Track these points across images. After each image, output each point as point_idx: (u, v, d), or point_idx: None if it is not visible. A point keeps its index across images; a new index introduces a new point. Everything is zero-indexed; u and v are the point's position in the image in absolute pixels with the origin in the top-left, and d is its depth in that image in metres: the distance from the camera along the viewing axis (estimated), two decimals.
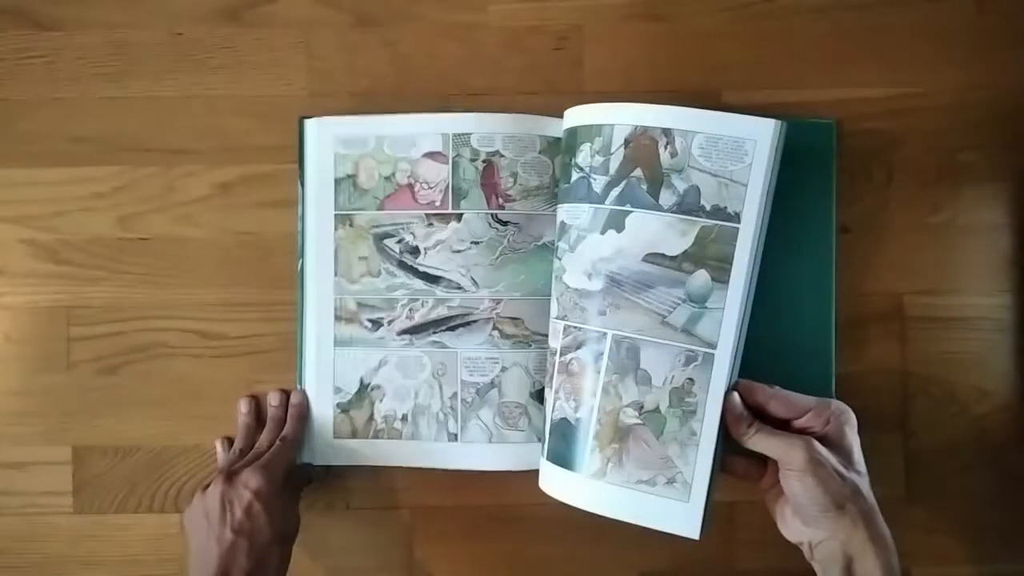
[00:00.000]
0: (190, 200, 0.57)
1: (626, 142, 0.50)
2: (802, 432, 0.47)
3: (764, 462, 0.50)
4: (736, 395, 0.49)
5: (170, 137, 0.57)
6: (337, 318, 0.56)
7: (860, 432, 0.48)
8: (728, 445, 0.49)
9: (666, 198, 0.50)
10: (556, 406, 0.52)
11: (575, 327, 0.51)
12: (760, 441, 0.47)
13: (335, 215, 0.56)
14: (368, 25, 0.57)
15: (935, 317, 0.57)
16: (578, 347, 0.51)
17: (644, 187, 0.50)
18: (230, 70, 0.57)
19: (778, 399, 0.49)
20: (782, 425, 0.48)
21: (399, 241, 0.56)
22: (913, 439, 0.57)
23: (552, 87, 0.56)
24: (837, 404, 0.48)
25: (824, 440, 0.46)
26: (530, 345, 0.55)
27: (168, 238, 0.57)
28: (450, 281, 0.56)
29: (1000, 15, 0.57)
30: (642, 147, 0.50)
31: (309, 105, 0.57)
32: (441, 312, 0.56)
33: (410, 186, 0.56)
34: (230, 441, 0.56)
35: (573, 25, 0.57)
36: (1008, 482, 0.57)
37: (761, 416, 0.49)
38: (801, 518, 0.47)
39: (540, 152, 0.55)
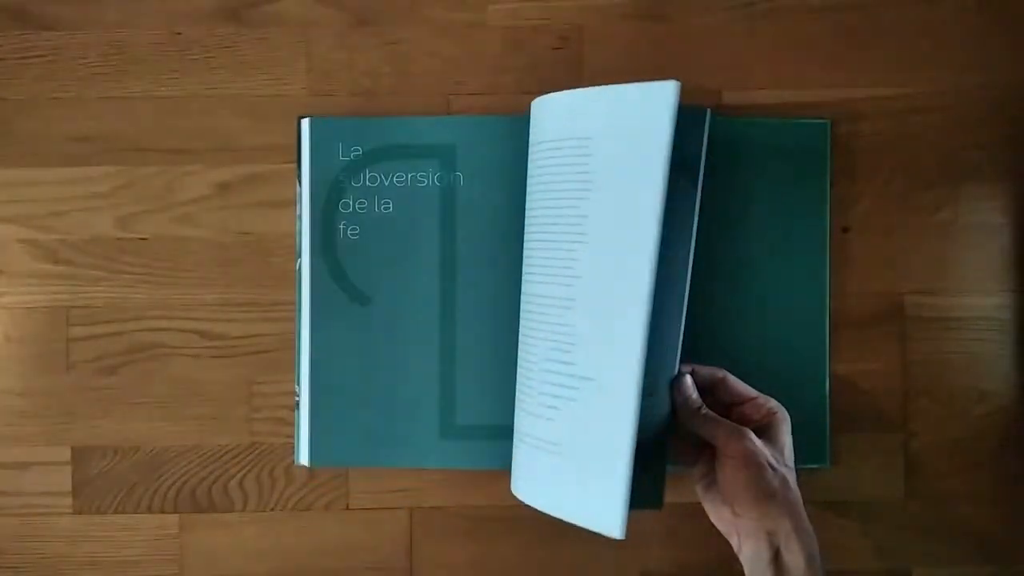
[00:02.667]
0: (189, 200, 0.57)
1: None
2: (739, 420, 0.49)
3: (699, 448, 0.50)
4: (688, 377, 0.50)
5: (169, 137, 0.57)
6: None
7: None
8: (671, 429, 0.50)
9: None
10: None
11: None
12: (703, 425, 0.48)
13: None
14: (368, 25, 0.57)
15: (936, 317, 0.57)
16: None
17: None
18: (230, 70, 0.57)
19: (727, 383, 0.50)
20: (721, 411, 0.50)
21: None
22: (913, 439, 0.57)
23: (552, 87, 0.56)
24: (776, 402, 0.50)
25: (759, 432, 0.48)
26: None
27: (167, 238, 0.57)
28: None
29: (1001, 15, 0.57)
30: None
31: (309, 105, 0.57)
32: None
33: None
34: None
35: (573, 25, 0.57)
36: (1008, 482, 0.57)
37: (704, 399, 0.50)
38: (731, 507, 0.47)
39: None
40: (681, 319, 0.50)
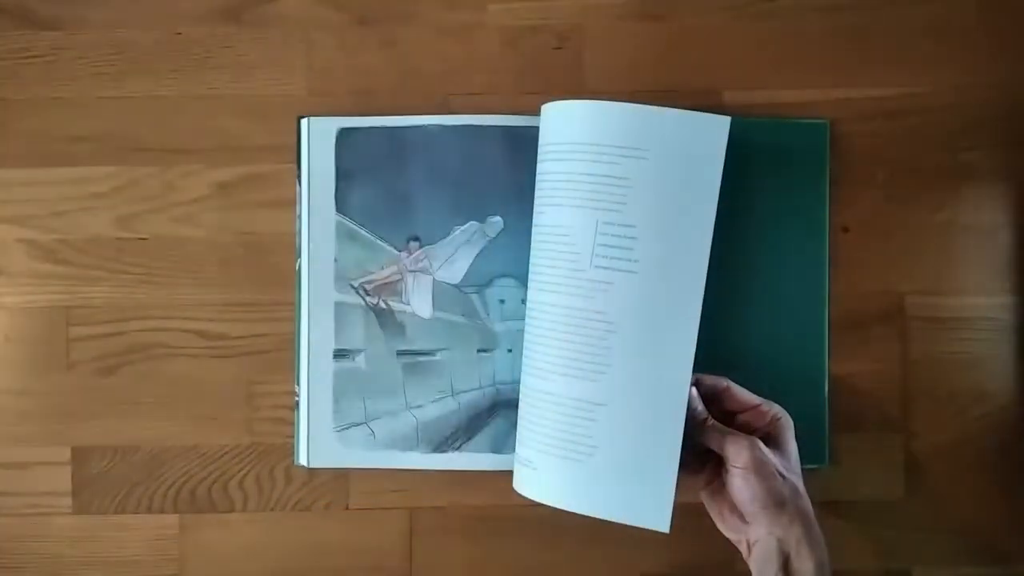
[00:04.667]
0: (189, 200, 0.57)
1: None
2: (743, 428, 0.49)
3: (703, 457, 0.50)
4: (693, 389, 0.49)
5: (169, 137, 0.57)
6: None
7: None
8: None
9: None
10: None
11: None
12: (710, 436, 0.48)
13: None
14: (368, 24, 0.57)
15: (936, 317, 0.57)
16: None
17: None
18: (229, 70, 0.57)
19: (730, 392, 0.50)
20: (726, 419, 0.50)
21: None
22: (914, 440, 0.57)
23: (552, 87, 0.56)
24: (779, 408, 0.50)
25: (765, 440, 0.48)
26: None
27: (167, 238, 0.57)
28: None
29: (1001, 15, 0.57)
30: None
31: (309, 104, 0.57)
32: None
33: None
34: None
35: (573, 25, 0.57)
36: (1008, 482, 0.57)
37: (709, 408, 0.50)
38: (740, 515, 0.48)
39: None
40: (693, 337, 0.49)
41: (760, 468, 0.46)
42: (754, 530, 0.47)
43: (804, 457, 0.50)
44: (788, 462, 0.48)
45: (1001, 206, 0.57)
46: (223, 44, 0.57)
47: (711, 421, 0.49)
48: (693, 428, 0.49)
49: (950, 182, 0.57)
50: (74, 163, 0.57)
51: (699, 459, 0.50)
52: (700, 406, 0.49)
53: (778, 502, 0.46)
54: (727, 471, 0.48)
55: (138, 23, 0.57)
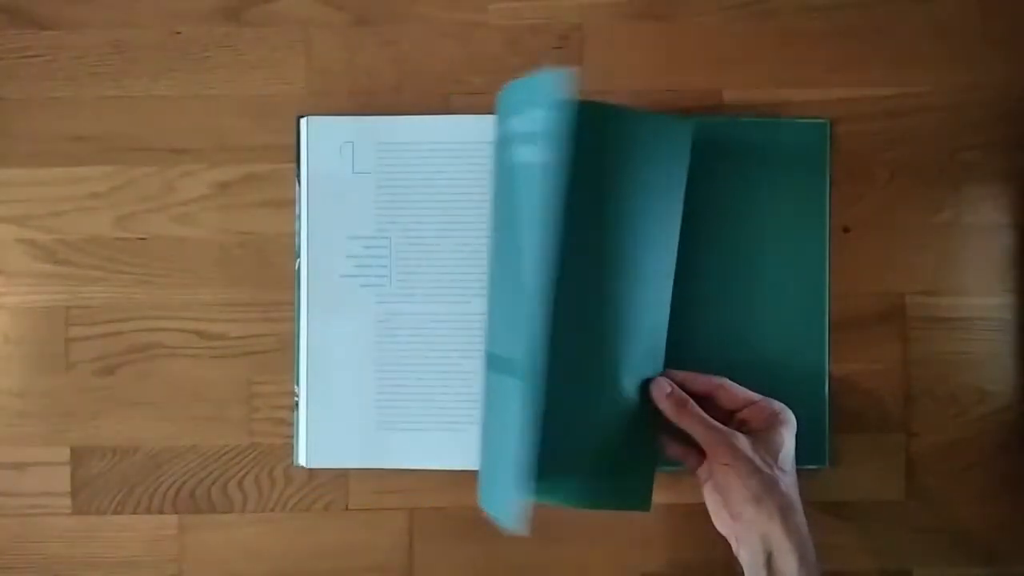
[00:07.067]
0: (189, 200, 0.57)
1: None
2: (741, 424, 0.49)
3: (701, 451, 0.50)
4: (663, 379, 0.50)
5: (168, 136, 0.57)
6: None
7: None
8: (668, 428, 0.50)
9: None
10: None
11: None
12: (693, 424, 0.48)
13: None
14: (368, 24, 0.57)
15: (937, 317, 0.57)
16: None
17: None
18: (229, 69, 0.57)
19: (725, 388, 0.50)
20: (723, 416, 0.49)
21: None
22: (914, 440, 0.57)
23: None
24: (780, 404, 0.49)
25: (757, 436, 0.48)
26: None
27: (167, 238, 0.57)
28: None
29: (1001, 15, 0.57)
30: None
31: (309, 104, 0.57)
32: None
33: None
34: None
35: (573, 24, 0.57)
36: (1008, 482, 0.57)
37: (706, 407, 0.50)
38: (728, 510, 0.48)
39: None
40: (663, 323, 0.50)
41: (736, 463, 0.46)
42: (740, 526, 0.47)
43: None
44: (773, 458, 0.47)
45: (1001, 206, 0.57)
46: (223, 44, 0.57)
47: (693, 407, 0.49)
48: (674, 414, 0.49)
49: (950, 182, 0.57)
50: (73, 163, 0.57)
51: (697, 453, 0.50)
52: (677, 390, 0.49)
53: (755, 497, 0.46)
54: (711, 466, 0.48)
55: (137, 23, 0.57)
